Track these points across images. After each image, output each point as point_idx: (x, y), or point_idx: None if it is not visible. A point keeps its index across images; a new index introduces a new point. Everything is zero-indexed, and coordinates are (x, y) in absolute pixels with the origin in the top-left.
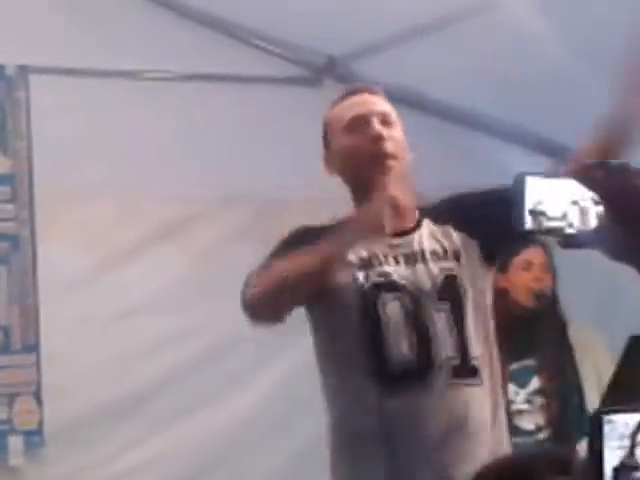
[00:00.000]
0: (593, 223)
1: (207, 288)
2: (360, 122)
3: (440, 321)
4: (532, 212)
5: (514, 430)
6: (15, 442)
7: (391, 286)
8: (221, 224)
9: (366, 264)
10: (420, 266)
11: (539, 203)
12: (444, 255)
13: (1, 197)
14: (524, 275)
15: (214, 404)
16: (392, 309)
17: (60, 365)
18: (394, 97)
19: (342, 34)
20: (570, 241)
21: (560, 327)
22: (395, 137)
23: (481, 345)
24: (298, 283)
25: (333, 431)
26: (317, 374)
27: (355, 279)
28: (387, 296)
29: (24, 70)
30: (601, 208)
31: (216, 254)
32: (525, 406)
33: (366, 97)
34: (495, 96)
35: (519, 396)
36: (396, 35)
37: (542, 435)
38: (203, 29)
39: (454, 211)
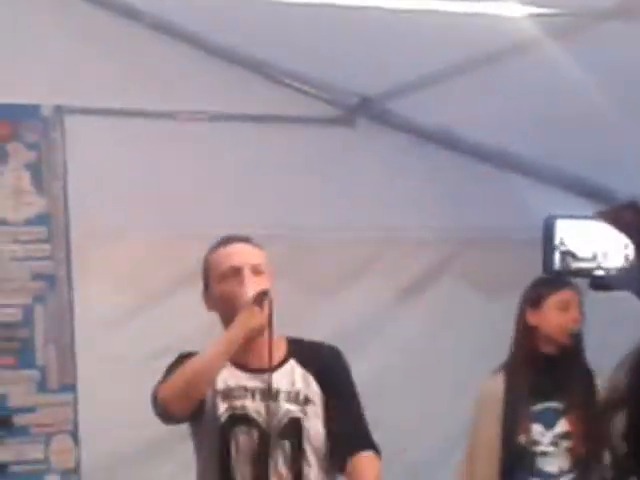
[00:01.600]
0: (623, 264)
1: None
2: (233, 272)
3: (279, 459)
4: (562, 253)
5: (537, 472)
6: None
7: (245, 420)
8: None
9: (228, 394)
10: (271, 404)
11: (569, 245)
12: (295, 398)
13: (38, 237)
14: (561, 315)
15: None
16: (243, 442)
17: (96, 404)
18: (428, 137)
19: (376, 74)
20: (600, 282)
21: (586, 372)
22: (262, 285)
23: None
24: (202, 379)
25: None
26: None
27: (216, 408)
28: (240, 429)
29: (59, 110)
30: (631, 249)
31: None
32: (550, 448)
33: (241, 247)
34: (530, 137)
35: (544, 437)
36: (430, 75)
37: (565, 479)
38: (237, 69)
39: (316, 361)
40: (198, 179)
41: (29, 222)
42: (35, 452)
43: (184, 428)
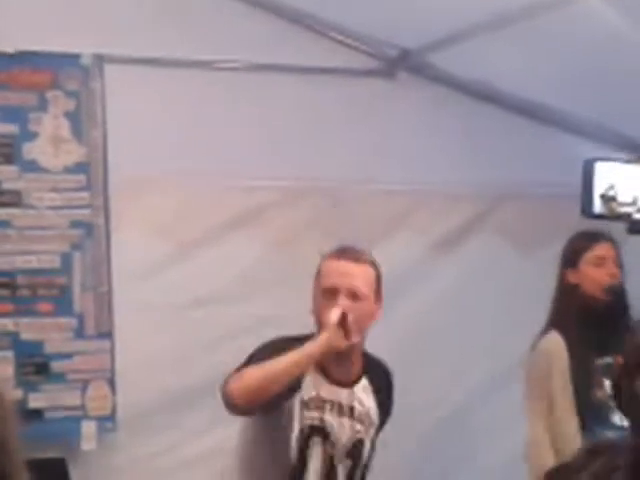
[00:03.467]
0: None
1: (279, 277)
2: (332, 292)
3: (341, 474)
4: (602, 197)
5: (611, 426)
6: (88, 427)
7: (320, 432)
8: (293, 214)
9: (310, 405)
10: (345, 420)
11: (609, 188)
12: (364, 418)
13: (76, 185)
14: (597, 271)
15: None
16: (315, 452)
17: (133, 352)
18: (467, 90)
19: (417, 26)
20: (638, 227)
21: (633, 323)
22: (357, 311)
23: None
24: (274, 383)
25: None
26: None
27: (301, 417)
28: (315, 439)
29: (100, 59)
30: None
31: (288, 243)
32: None
33: (347, 266)
34: (570, 90)
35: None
36: (471, 28)
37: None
38: (278, 20)
39: (379, 380)
40: (235, 129)
41: (68, 170)
42: (71, 398)
43: (217, 375)
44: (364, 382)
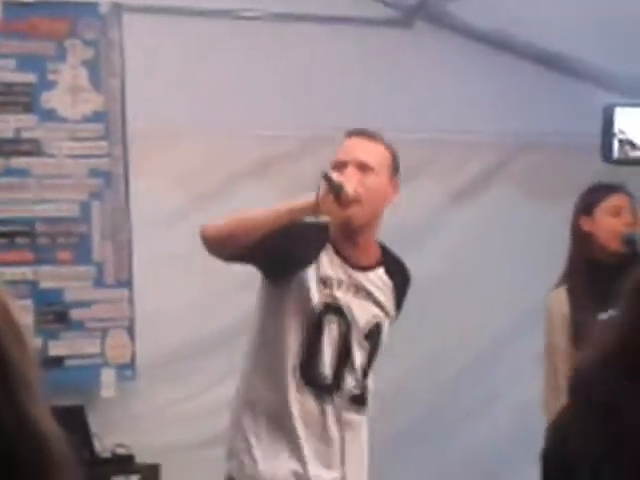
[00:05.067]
0: None
1: None
2: (340, 165)
3: (359, 357)
4: (621, 142)
5: None
6: (108, 375)
7: (336, 310)
8: (312, 162)
9: (324, 282)
10: (362, 302)
11: (628, 133)
12: (382, 304)
13: (95, 134)
14: (613, 220)
15: None
16: (332, 330)
17: (152, 300)
18: (487, 39)
19: None
20: None
21: None
22: (367, 184)
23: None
24: (249, 228)
25: (244, 404)
26: None
27: (312, 291)
28: (331, 317)
29: (118, 8)
30: None
31: (306, 192)
32: None
33: (356, 142)
34: (590, 40)
35: None
36: None
37: None
38: None
39: (397, 278)
40: (255, 79)
41: (86, 119)
42: (91, 346)
43: (237, 323)
44: (381, 271)
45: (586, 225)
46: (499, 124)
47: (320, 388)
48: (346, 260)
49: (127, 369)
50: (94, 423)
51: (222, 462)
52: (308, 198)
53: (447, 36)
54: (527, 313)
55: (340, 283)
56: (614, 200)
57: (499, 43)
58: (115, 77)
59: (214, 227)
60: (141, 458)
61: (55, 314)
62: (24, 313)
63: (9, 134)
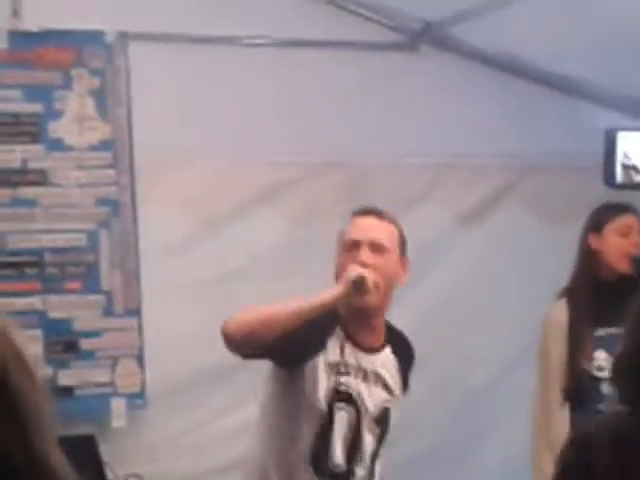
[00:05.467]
0: None
1: (305, 253)
2: (354, 245)
3: (369, 443)
4: (624, 166)
5: (602, 397)
6: (118, 404)
7: (346, 397)
8: (319, 189)
9: (333, 369)
10: (372, 387)
11: (631, 158)
12: (390, 388)
13: (102, 162)
14: (622, 240)
15: None
16: (342, 418)
17: (161, 329)
18: (492, 62)
19: None
20: None
21: None
22: (379, 265)
23: None
24: (273, 323)
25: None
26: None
27: (321, 379)
28: (341, 405)
29: (124, 37)
30: None
31: (314, 219)
32: None
33: (369, 222)
34: (594, 61)
35: (609, 364)
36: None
37: None
38: None
39: (402, 353)
40: (262, 105)
41: (93, 148)
42: (101, 376)
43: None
44: (387, 351)
45: (595, 243)
46: (504, 146)
47: (333, 478)
48: (357, 344)
49: (137, 398)
50: (105, 453)
51: None
52: (330, 293)
53: (452, 59)
54: (535, 335)
55: (349, 369)
56: (624, 220)
57: (504, 65)
58: (122, 105)
59: (234, 324)
60: None
61: (64, 344)
62: (33, 343)
63: (16, 164)
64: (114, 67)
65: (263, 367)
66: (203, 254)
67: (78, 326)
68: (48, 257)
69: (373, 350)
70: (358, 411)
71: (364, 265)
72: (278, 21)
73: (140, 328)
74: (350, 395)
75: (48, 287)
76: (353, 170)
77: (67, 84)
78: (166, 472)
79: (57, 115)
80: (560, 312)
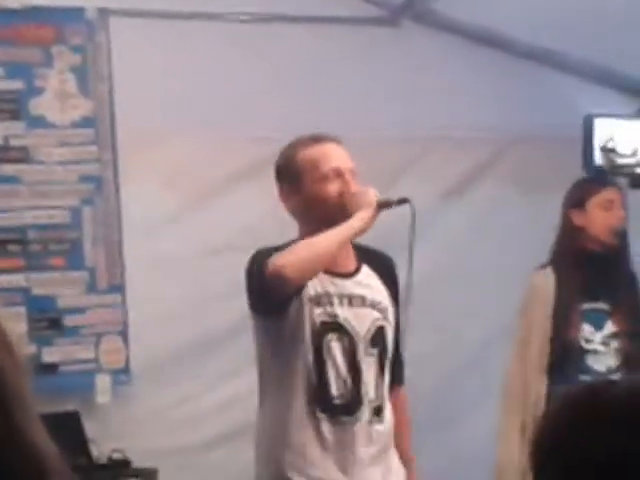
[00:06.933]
0: None
1: (290, 227)
2: (336, 175)
3: (370, 366)
4: (603, 149)
5: (586, 369)
6: (102, 380)
7: (335, 327)
8: None
9: (318, 301)
10: (359, 310)
11: (609, 141)
12: (378, 306)
13: (84, 139)
14: (605, 214)
15: None
16: (334, 349)
17: (145, 304)
18: (474, 36)
19: None
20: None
21: (631, 274)
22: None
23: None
24: (324, 256)
25: (262, 436)
26: None
27: (307, 314)
28: (331, 336)
29: (104, 13)
30: None
31: None
32: (601, 348)
33: (338, 149)
34: (575, 35)
35: (596, 337)
36: None
37: (613, 377)
38: None
39: (381, 267)
40: (243, 80)
41: (75, 125)
42: (85, 352)
43: (231, 326)
44: (365, 270)
45: (577, 219)
46: (486, 120)
47: (339, 411)
48: (331, 272)
49: (122, 374)
50: (90, 429)
51: (219, 465)
52: (360, 220)
53: (434, 34)
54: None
55: (332, 298)
56: (606, 194)
57: (485, 40)
58: (103, 82)
59: (289, 263)
60: (138, 463)
61: (48, 321)
62: (17, 320)
63: None
64: (95, 44)
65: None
66: (186, 230)
67: (62, 303)
68: (31, 234)
69: (349, 274)
70: (351, 338)
71: (353, 195)
72: None
73: (124, 304)
74: (339, 324)
75: (31, 264)
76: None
77: (48, 61)
78: (150, 448)
79: (38, 92)
80: (546, 281)
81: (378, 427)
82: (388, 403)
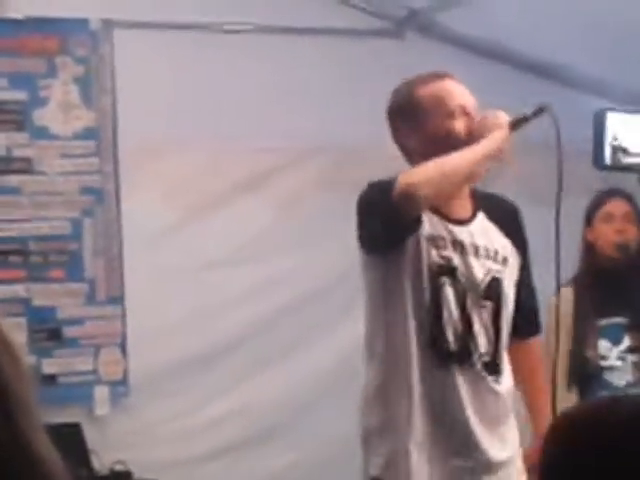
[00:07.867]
0: None
1: (291, 239)
2: (462, 112)
3: (482, 318)
4: (613, 147)
5: (605, 385)
6: (101, 392)
7: (449, 271)
8: (304, 174)
9: (434, 242)
10: (472, 260)
11: (619, 139)
12: (494, 256)
13: (86, 151)
14: (605, 227)
15: (297, 355)
16: (448, 294)
17: (144, 316)
18: (477, 49)
19: None
20: None
21: None
22: None
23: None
24: (455, 176)
25: (372, 379)
26: None
27: (425, 253)
28: (445, 279)
29: (108, 24)
30: None
31: (300, 204)
32: (618, 363)
33: (457, 85)
34: (579, 47)
35: (612, 353)
36: None
37: (632, 391)
38: None
39: (502, 215)
40: (245, 92)
41: (78, 136)
42: (84, 364)
43: (231, 338)
44: (481, 218)
45: (589, 236)
46: None
47: (447, 357)
48: (445, 217)
49: (120, 386)
50: (90, 440)
51: (219, 477)
52: (494, 141)
53: (437, 46)
54: None
55: (445, 242)
56: (607, 207)
57: (489, 52)
58: (106, 93)
59: (418, 178)
60: (139, 474)
61: (48, 332)
62: (17, 331)
63: (1, 152)
64: (99, 55)
65: (247, 355)
66: (186, 242)
67: (61, 314)
68: (32, 245)
69: (463, 221)
70: (462, 286)
71: (479, 133)
72: (262, 8)
73: (123, 316)
74: (453, 269)
75: (32, 275)
76: (337, 155)
77: (52, 72)
78: (149, 459)
79: (42, 103)
80: (565, 298)
81: (488, 386)
82: (507, 365)
